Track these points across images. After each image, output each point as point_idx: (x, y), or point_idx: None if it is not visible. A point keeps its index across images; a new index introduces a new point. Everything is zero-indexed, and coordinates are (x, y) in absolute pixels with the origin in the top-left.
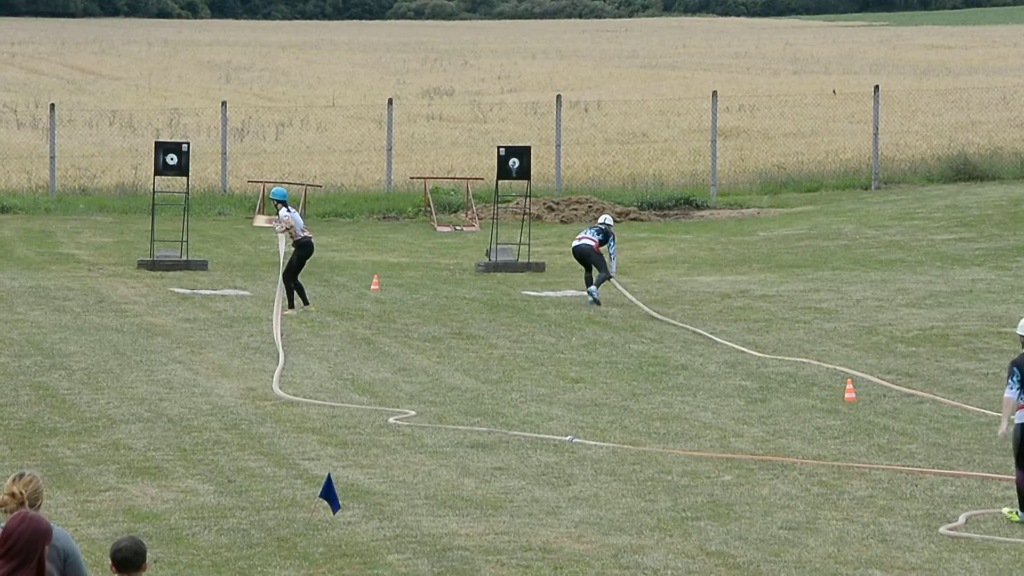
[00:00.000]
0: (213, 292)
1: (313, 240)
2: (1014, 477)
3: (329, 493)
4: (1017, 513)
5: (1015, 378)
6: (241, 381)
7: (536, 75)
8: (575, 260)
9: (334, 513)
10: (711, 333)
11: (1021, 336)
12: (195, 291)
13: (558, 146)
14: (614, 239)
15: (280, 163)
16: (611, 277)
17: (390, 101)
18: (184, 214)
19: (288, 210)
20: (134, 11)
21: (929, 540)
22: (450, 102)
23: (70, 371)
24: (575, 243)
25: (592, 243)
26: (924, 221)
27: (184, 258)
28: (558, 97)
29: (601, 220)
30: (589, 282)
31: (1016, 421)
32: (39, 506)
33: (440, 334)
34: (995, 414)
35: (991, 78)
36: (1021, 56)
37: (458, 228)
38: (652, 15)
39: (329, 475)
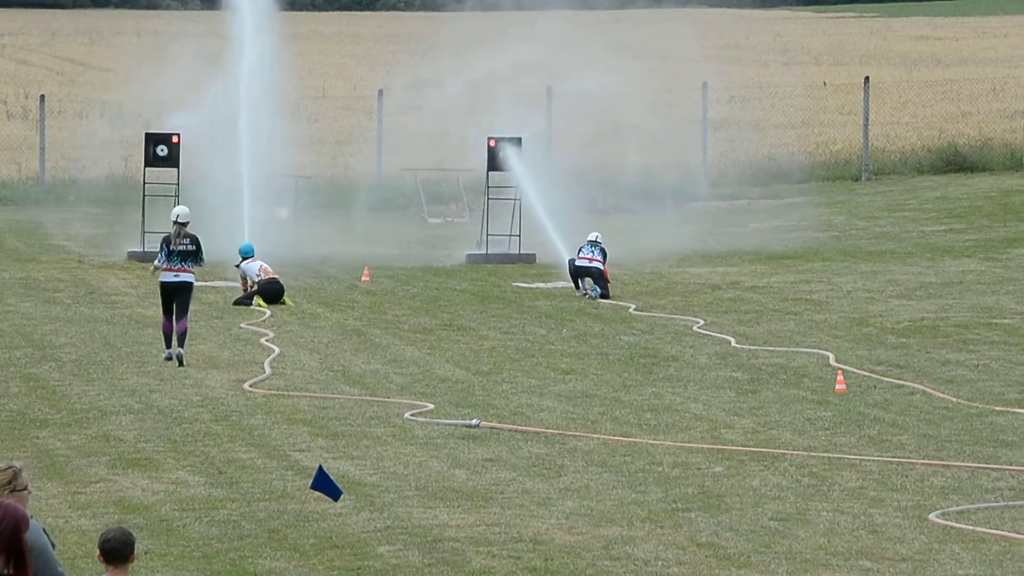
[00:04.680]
0: (204, 284)
1: (276, 284)
2: (1005, 468)
3: (324, 482)
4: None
5: (163, 252)
6: (231, 372)
7: (527, 66)
8: (570, 271)
9: (336, 500)
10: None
11: (172, 219)
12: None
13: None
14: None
15: (270, 154)
16: (608, 297)
17: (380, 92)
18: (174, 205)
19: (242, 264)
20: (124, 2)
21: (920, 531)
22: (441, 93)
23: (60, 362)
24: (582, 263)
25: (601, 267)
26: (914, 212)
27: None
28: (549, 88)
29: (595, 236)
30: (577, 285)
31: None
32: (26, 495)
33: (431, 325)
34: (986, 406)
35: (981, 69)
36: (1011, 47)
37: (449, 219)
38: (643, 6)
39: (320, 466)
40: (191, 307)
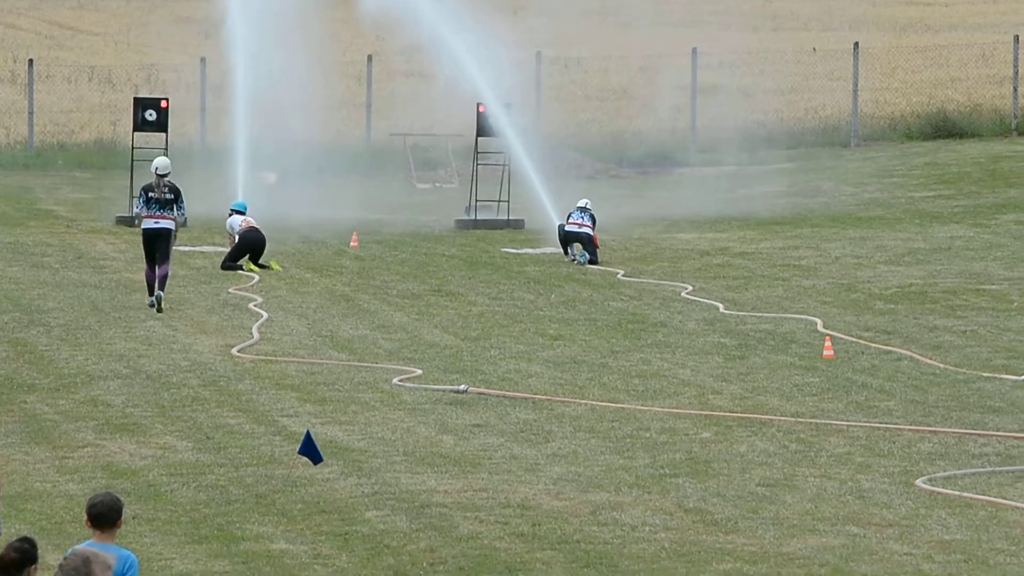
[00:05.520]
0: (192, 248)
1: (258, 233)
2: (994, 434)
3: (309, 447)
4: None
5: (141, 199)
6: (219, 338)
7: (516, 31)
8: (559, 236)
9: (315, 464)
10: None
11: (152, 170)
12: (174, 247)
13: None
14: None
15: (260, 120)
16: (597, 263)
17: (370, 58)
18: None
19: (231, 216)
20: None
21: (906, 496)
22: (429, 59)
23: (48, 327)
24: (572, 228)
25: (591, 232)
26: (903, 178)
27: None
28: (538, 54)
29: (585, 203)
30: (566, 251)
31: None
32: None
33: (419, 291)
34: (973, 372)
35: (970, 35)
36: (1000, 12)
37: (438, 185)
38: None
39: (308, 431)
40: (171, 252)
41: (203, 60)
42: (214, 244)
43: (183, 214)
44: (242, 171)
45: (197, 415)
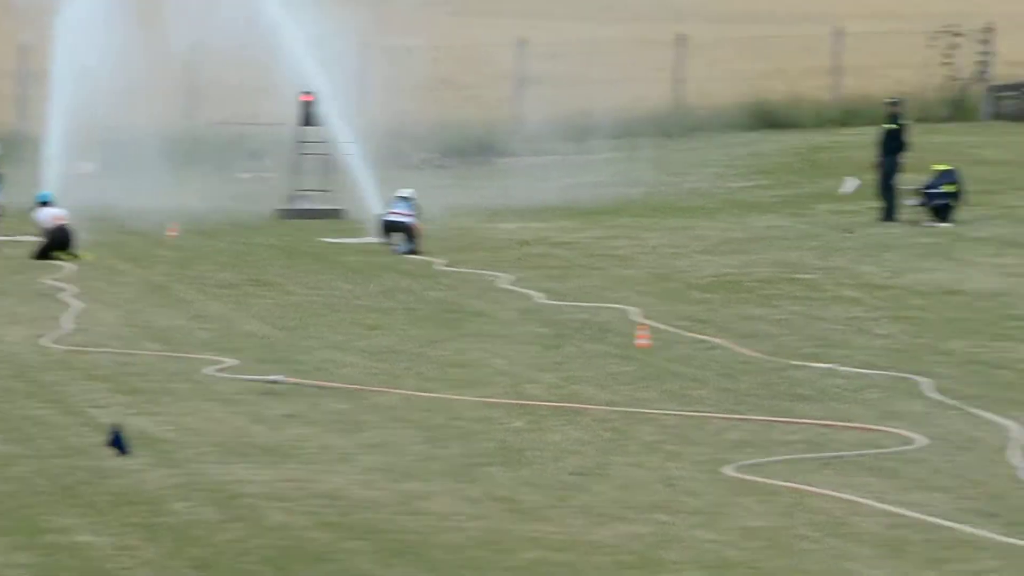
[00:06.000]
0: (5, 238)
1: (63, 230)
2: (801, 421)
3: (117, 440)
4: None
5: None
6: (30, 328)
7: (341, 19)
8: (380, 226)
9: (124, 454)
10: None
11: None
12: None
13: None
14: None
15: (80, 108)
16: (418, 252)
17: (195, 45)
18: None
19: (38, 210)
20: None
21: (713, 484)
22: (256, 47)
23: None
24: (391, 218)
25: (412, 222)
26: (724, 168)
27: None
28: (364, 43)
29: (406, 192)
30: (387, 241)
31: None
32: None
33: (236, 280)
34: (784, 360)
35: (794, 26)
36: (826, 4)
37: (259, 174)
38: None
39: (116, 424)
40: None
41: (21, 47)
42: (28, 234)
43: None
44: (56, 161)
45: (4, 406)
